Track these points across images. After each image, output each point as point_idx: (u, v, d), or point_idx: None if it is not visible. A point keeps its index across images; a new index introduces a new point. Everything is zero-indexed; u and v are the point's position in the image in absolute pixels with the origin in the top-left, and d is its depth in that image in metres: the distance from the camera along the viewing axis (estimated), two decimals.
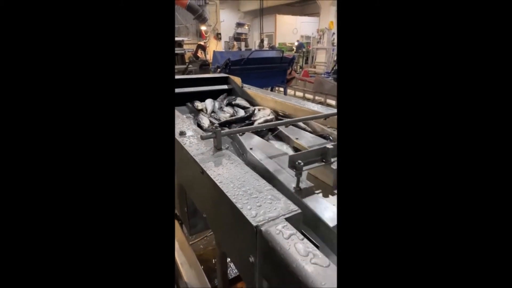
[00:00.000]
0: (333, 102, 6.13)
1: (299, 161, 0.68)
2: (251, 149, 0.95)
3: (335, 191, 0.75)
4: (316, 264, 0.41)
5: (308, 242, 0.46)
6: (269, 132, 1.23)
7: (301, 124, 1.24)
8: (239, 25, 9.35)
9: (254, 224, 0.50)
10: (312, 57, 11.68)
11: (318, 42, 11.56)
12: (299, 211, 0.54)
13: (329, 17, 11.04)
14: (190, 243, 2.06)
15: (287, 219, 0.51)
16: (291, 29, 14.02)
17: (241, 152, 1.01)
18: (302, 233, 0.49)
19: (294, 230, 0.48)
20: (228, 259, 1.10)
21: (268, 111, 1.52)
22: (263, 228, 0.49)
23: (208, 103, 1.68)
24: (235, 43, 9.00)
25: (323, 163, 0.76)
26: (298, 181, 0.69)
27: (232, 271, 2.00)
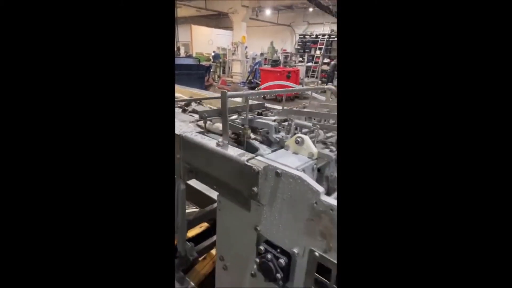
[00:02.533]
0: None
1: (205, 114, 1.17)
2: None
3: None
4: (211, 139, 0.90)
5: (208, 136, 0.95)
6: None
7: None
8: None
9: (178, 134, 0.96)
10: (229, 68, 12.56)
11: (233, 54, 12.48)
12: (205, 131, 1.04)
13: (241, 31, 12.12)
14: None
15: (197, 132, 1.00)
16: (207, 40, 14.64)
17: None
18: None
19: (201, 132, 0.97)
20: None
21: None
22: (183, 135, 0.96)
23: None
24: None
25: (219, 117, 1.27)
26: (205, 126, 1.18)
27: None
